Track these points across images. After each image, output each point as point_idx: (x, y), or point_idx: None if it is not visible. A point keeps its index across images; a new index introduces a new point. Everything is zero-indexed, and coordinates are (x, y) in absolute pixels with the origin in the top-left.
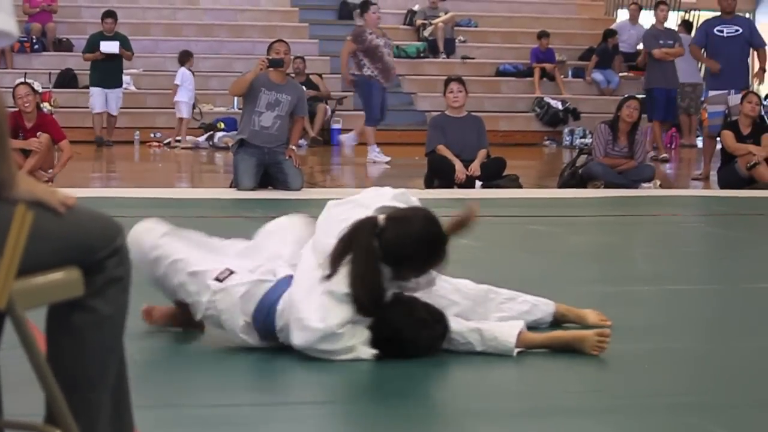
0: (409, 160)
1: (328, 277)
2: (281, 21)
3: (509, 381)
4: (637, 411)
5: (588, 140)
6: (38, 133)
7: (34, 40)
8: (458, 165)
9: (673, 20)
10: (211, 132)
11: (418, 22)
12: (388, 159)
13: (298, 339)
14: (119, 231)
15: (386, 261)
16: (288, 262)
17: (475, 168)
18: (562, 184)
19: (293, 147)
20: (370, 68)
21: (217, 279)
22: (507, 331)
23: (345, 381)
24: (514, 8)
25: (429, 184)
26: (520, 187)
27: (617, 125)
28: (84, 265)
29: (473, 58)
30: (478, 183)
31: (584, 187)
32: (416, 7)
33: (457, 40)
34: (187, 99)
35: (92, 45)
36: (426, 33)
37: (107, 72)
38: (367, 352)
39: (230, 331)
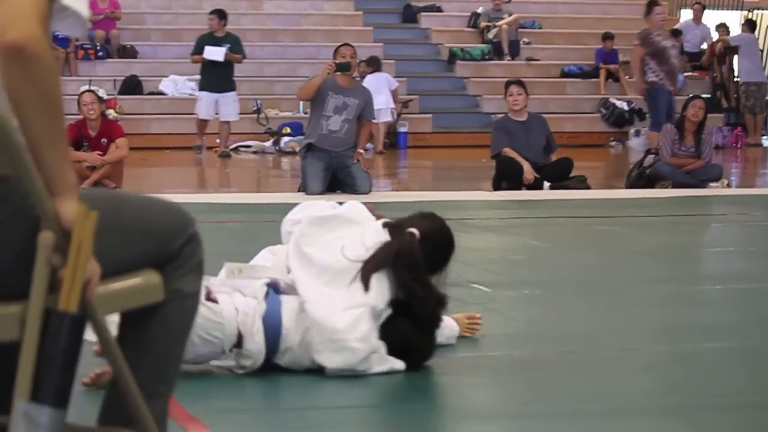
0: (476, 162)
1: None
2: (345, 25)
3: (577, 382)
4: (712, 410)
5: None
6: (103, 141)
7: (98, 47)
8: (526, 166)
9: (736, 20)
10: (277, 136)
11: (482, 24)
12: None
13: (335, 362)
14: (191, 219)
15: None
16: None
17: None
18: (630, 185)
19: (361, 151)
20: (656, 72)
21: (210, 299)
22: (447, 319)
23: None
24: (578, 9)
25: (497, 186)
26: (588, 188)
27: (683, 125)
28: (163, 254)
29: (538, 60)
30: (546, 184)
31: (652, 187)
32: (480, 10)
33: (521, 42)
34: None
35: (200, 46)
36: (490, 35)
37: (217, 75)
38: (394, 366)
39: (253, 354)
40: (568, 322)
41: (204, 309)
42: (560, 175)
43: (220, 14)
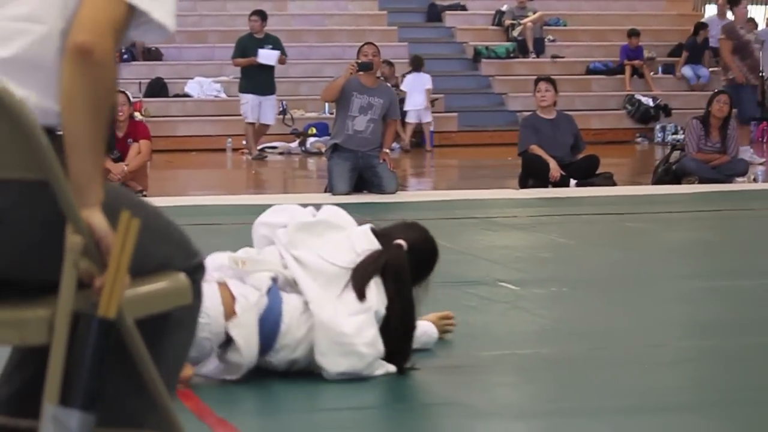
0: (502, 160)
1: (359, 297)
2: (370, 25)
3: (605, 379)
4: (740, 405)
5: (680, 136)
6: (129, 141)
7: (123, 50)
8: (552, 163)
9: (761, 14)
10: (303, 137)
11: (507, 22)
12: (762, 160)
13: (340, 366)
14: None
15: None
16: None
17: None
18: (657, 181)
19: (387, 150)
20: (739, 66)
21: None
22: (426, 324)
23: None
24: (602, 6)
25: (524, 184)
26: (614, 184)
27: (708, 120)
28: (179, 265)
29: (563, 57)
30: (572, 181)
31: (678, 183)
32: (504, 8)
33: (546, 40)
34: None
35: (243, 49)
36: (515, 33)
37: (261, 77)
38: (388, 370)
39: (244, 350)
40: (595, 319)
41: None
42: (586, 173)
43: (263, 15)
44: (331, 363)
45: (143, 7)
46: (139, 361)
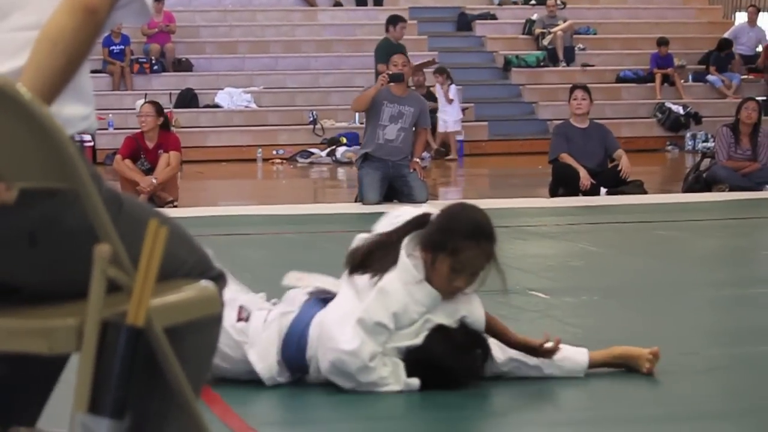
0: (532, 169)
1: (354, 270)
2: None
3: (637, 387)
4: None
5: (710, 144)
6: (160, 152)
7: (154, 61)
8: (582, 172)
9: None
10: (333, 147)
11: (537, 31)
12: None
13: (324, 363)
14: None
15: (438, 246)
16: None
17: (626, 165)
18: (687, 189)
19: (417, 159)
20: None
21: (240, 319)
22: (576, 351)
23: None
24: (632, 14)
25: (554, 193)
26: (644, 192)
27: (738, 128)
28: (209, 272)
29: (593, 66)
30: (603, 190)
31: (709, 190)
32: (534, 17)
33: (576, 48)
34: None
35: (385, 55)
36: (545, 42)
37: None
38: (409, 383)
39: (261, 370)
40: (626, 328)
41: (231, 329)
42: (617, 181)
43: (404, 21)
44: (321, 363)
45: None
46: (166, 366)
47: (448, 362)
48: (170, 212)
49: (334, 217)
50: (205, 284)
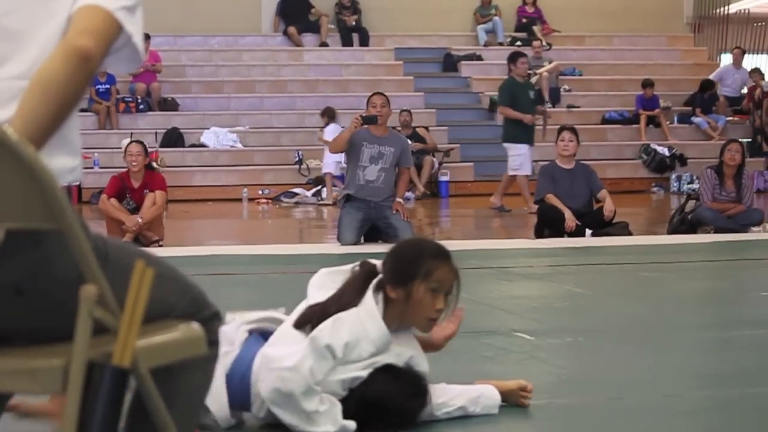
0: (518, 210)
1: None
2: (386, 75)
3: (621, 429)
4: None
5: (696, 185)
6: (145, 191)
7: (139, 100)
8: (568, 213)
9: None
10: (319, 187)
11: None
12: None
13: (266, 390)
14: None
15: (411, 276)
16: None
17: (609, 206)
18: (672, 231)
19: (400, 200)
20: None
21: None
22: (485, 387)
23: None
24: (617, 56)
25: (539, 234)
26: (630, 234)
27: (722, 170)
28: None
29: (579, 107)
30: (588, 231)
31: (694, 232)
32: None
33: (562, 89)
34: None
35: (513, 95)
36: (531, 82)
37: (528, 126)
38: (345, 426)
39: (216, 412)
40: (611, 369)
41: None
42: (602, 222)
43: (524, 56)
44: (262, 388)
45: (128, 28)
46: (152, 407)
47: (391, 403)
48: (156, 252)
49: (315, 258)
50: (192, 326)
